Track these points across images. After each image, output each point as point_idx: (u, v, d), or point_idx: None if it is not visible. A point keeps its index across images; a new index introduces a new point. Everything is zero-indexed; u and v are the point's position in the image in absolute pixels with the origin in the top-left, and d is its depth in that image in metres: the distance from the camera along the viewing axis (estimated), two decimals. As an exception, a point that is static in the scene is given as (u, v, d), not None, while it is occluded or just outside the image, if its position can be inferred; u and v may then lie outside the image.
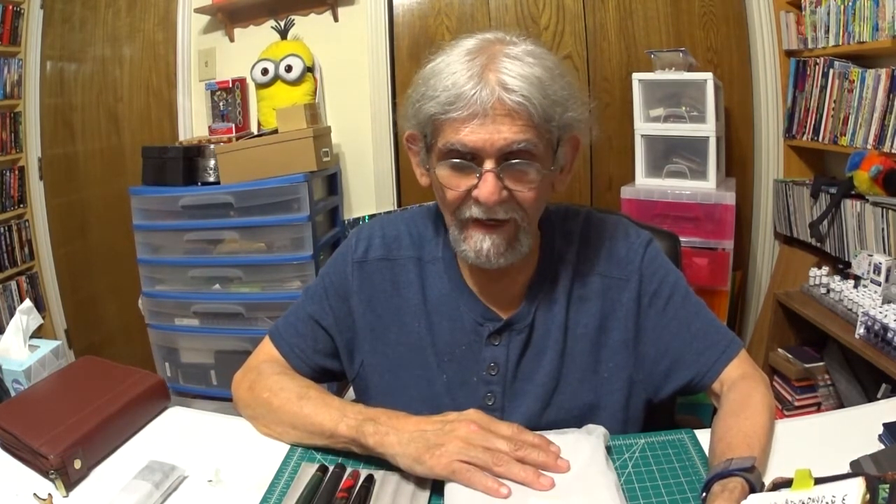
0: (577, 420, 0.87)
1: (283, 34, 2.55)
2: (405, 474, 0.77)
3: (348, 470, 0.79)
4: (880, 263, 1.73)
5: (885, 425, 0.79)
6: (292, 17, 2.55)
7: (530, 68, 0.77)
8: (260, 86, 2.53)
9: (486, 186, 0.78)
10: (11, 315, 1.29)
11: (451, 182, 0.81)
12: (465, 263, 0.92)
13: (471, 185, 0.80)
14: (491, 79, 0.75)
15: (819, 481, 0.61)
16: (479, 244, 0.82)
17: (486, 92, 0.75)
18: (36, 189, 2.92)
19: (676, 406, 1.12)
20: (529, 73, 0.76)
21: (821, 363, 2.01)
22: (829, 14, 2.03)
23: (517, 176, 0.79)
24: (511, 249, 0.83)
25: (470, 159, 0.79)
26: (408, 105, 0.84)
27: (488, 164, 0.78)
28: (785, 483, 0.65)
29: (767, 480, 0.69)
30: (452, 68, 0.77)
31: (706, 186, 2.16)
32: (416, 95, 0.82)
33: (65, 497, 0.77)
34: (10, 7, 2.69)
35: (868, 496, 0.56)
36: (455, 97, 0.76)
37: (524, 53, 0.78)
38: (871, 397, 1.78)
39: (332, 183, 2.57)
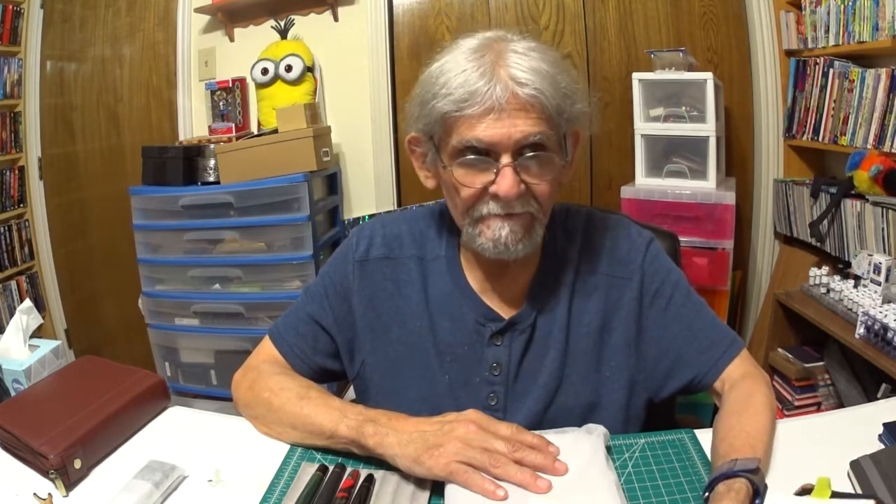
0: (578, 419, 0.87)
1: (283, 34, 2.55)
2: (405, 474, 0.77)
3: (348, 470, 0.79)
4: (880, 263, 1.73)
5: (885, 425, 0.79)
6: (292, 16, 2.55)
7: (537, 62, 0.78)
8: (260, 85, 2.53)
9: (506, 181, 0.78)
10: (11, 315, 1.29)
11: (467, 179, 0.81)
12: (468, 262, 0.92)
13: (487, 181, 0.80)
14: (502, 74, 0.76)
15: (836, 495, 0.63)
16: (498, 232, 0.82)
17: (499, 88, 0.75)
18: (36, 189, 2.92)
19: (676, 406, 1.12)
20: (538, 67, 0.77)
21: (821, 363, 2.01)
22: (829, 14, 2.03)
23: (533, 169, 0.80)
24: (528, 237, 0.84)
25: (486, 155, 0.79)
26: (414, 107, 0.84)
27: (505, 159, 0.78)
28: (811, 490, 0.66)
29: (768, 480, 0.69)
30: (461, 66, 0.78)
31: (706, 186, 2.16)
32: (426, 96, 0.81)
33: (65, 497, 0.77)
34: (10, 7, 2.69)
35: None
36: (469, 94, 0.76)
37: (527, 49, 0.79)
38: (871, 397, 1.78)
39: (332, 183, 2.57)
